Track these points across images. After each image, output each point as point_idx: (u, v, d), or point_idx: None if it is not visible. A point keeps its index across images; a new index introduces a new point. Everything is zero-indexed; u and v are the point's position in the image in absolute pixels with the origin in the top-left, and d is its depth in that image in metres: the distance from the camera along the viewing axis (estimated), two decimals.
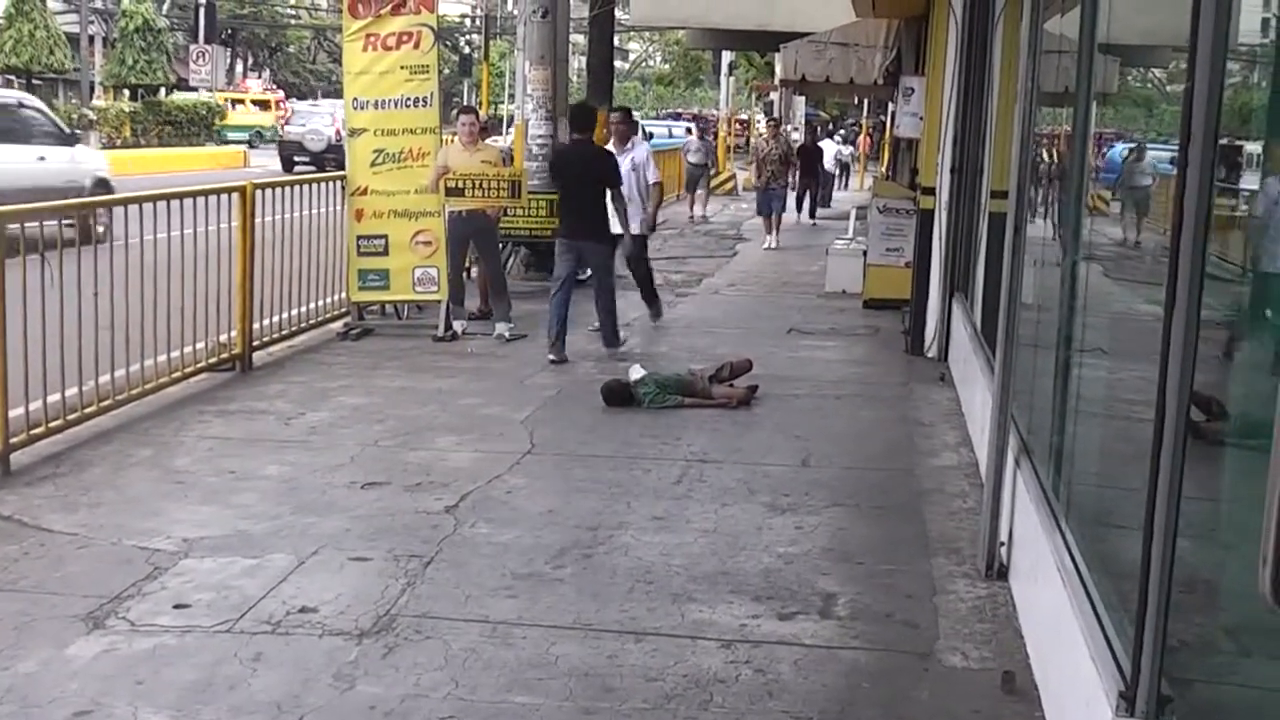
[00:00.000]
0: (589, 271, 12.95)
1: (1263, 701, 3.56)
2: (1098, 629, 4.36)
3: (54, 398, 8.51)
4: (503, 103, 52.12)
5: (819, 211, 29.96)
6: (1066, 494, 5.62)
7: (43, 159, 19.58)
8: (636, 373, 10.31)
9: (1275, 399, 2.80)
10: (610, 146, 13.44)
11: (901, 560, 6.83)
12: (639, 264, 14.19)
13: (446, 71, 55.74)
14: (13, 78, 50.55)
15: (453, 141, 13.95)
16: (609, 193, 12.24)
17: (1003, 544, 6.56)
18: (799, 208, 28.74)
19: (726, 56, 58.97)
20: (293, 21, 79.58)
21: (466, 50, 68.62)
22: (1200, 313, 3.53)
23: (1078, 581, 4.79)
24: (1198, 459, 3.65)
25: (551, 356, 11.81)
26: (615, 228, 12.73)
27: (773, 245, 23.18)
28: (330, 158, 36.77)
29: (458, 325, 12.93)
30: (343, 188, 13.08)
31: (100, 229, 10.51)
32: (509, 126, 32.65)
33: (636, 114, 58.58)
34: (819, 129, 35.12)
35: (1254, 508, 3.54)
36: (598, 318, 12.61)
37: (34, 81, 50.37)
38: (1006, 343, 6.61)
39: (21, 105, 21.07)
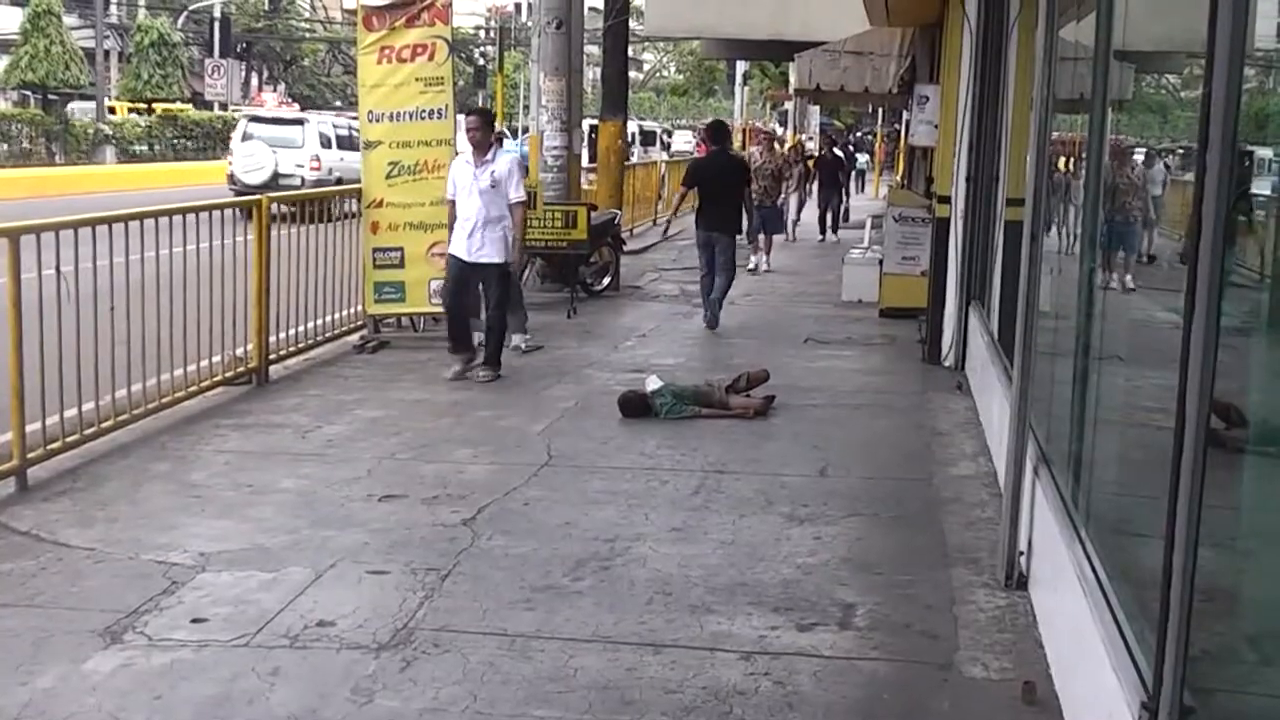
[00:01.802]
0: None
1: None
2: (1119, 638, 4.34)
3: (71, 413, 8.52)
4: (517, 114, 52.12)
5: (840, 227, 27.61)
6: (1086, 503, 5.59)
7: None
8: (653, 384, 10.30)
9: None
10: (468, 158, 11.61)
11: (920, 570, 6.81)
12: (497, 309, 11.65)
13: (461, 83, 55.81)
14: (29, 93, 50.73)
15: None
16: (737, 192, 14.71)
17: (1022, 553, 6.53)
18: (821, 225, 27.10)
19: (741, 66, 59.03)
20: (307, 35, 79.76)
21: (481, 62, 68.76)
22: (1220, 319, 3.51)
23: (1098, 591, 4.77)
24: (1217, 466, 3.63)
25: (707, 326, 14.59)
26: (495, 255, 11.41)
27: (764, 267, 20.62)
28: None
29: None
30: (358, 200, 13.10)
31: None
32: (521, 136, 32.48)
33: (653, 125, 57.19)
34: (836, 138, 33.11)
35: (1275, 515, 3.53)
36: (713, 299, 14.66)
37: (50, 97, 50.50)
38: (1025, 351, 6.59)
39: (351, 129, 28.92)
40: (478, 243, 11.41)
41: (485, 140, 11.61)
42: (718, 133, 15.65)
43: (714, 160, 15.16)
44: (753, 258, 20.58)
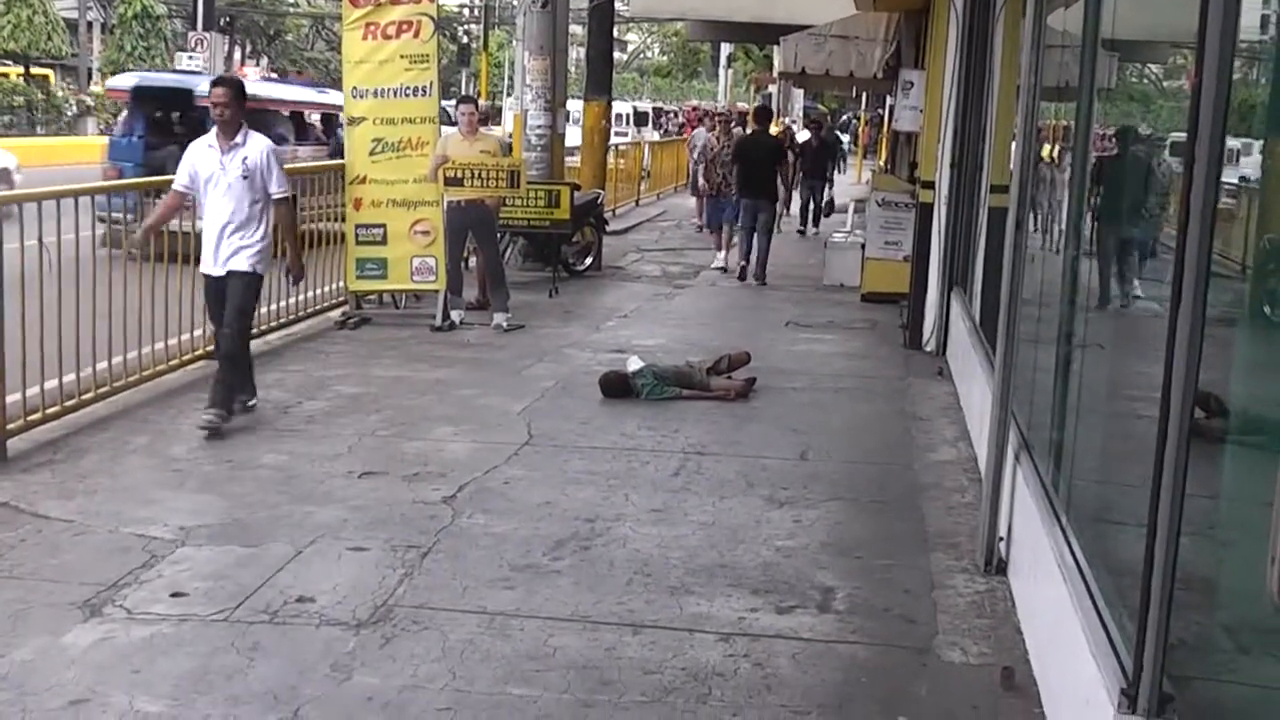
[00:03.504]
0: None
1: (1265, 700, 3.55)
2: (1099, 625, 4.36)
3: (51, 384, 8.49)
4: (501, 93, 52.04)
5: (822, 220, 24.83)
6: (1067, 490, 5.61)
7: None
8: (634, 364, 10.30)
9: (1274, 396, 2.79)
10: (211, 141, 8.94)
11: (900, 555, 6.82)
12: (236, 321, 8.99)
13: (445, 61, 55.62)
14: (10, 62, 50.47)
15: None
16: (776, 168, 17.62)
17: (1002, 539, 6.55)
18: (803, 217, 24.76)
19: (725, 49, 59.01)
20: (291, 9, 79.40)
21: (465, 40, 68.55)
22: (1205, 309, 3.52)
23: (1078, 578, 4.78)
24: (1197, 456, 3.64)
25: (739, 279, 16.99)
26: (244, 262, 8.90)
27: (724, 265, 18.38)
28: None
29: (455, 315, 12.92)
30: (341, 176, 13.05)
31: None
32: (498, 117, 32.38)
33: (647, 105, 55.74)
34: (822, 121, 30.13)
35: (1255, 505, 3.55)
36: (755, 256, 17.09)
37: (31, 68, 50.23)
38: (1007, 338, 6.60)
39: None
40: (228, 249, 8.89)
41: (235, 119, 8.94)
42: (762, 115, 19.13)
43: (756, 139, 17.97)
44: (719, 255, 18.70)
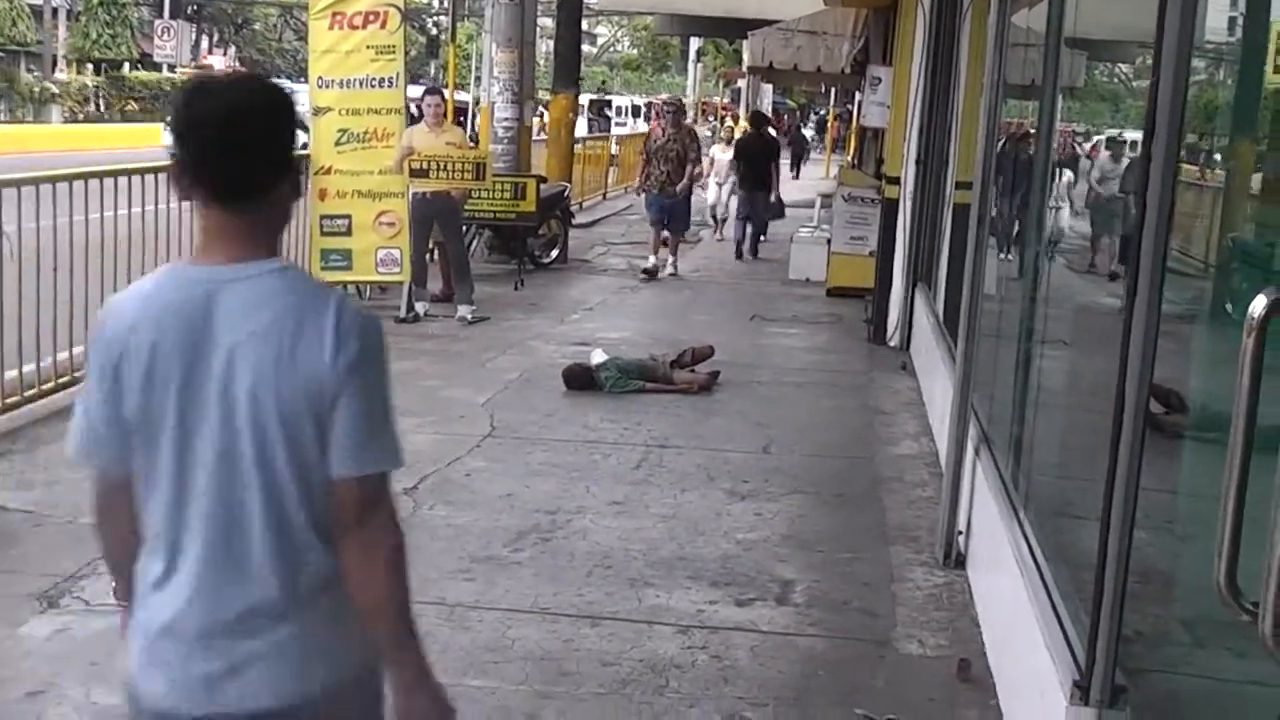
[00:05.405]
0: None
1: (1215, 691, 3.58)
2: (1053, 618, 4.38)
3: (11, 374, 8.43)
4: (469, 85, 51.91)
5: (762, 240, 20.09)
6: (1025, 484, 5.64)
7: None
8: (598, 357, 10.30)
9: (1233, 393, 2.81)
10: None
11: (860, 548, 6.85)
12: None
13: (413, 53, 55.48)
14: None
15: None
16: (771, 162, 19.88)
17: (961, 533, 6.58)
18: (738, 243, 19.61)
19: (694, 43, 59.16)
20: None
21: (434, 32, 68.35)
22: (1161, 305, 3.55)
23: (1035, 571, 4.81)
24: (1155, 451, 3.67)
25: (736, 256, 19.14)
26: None
27: (667, 270, 16.85)
28: None
29: (420, 307, 12.89)
30: (307, 167, 13.01)
31: None
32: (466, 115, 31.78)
33: (640, 100, 57.23)
34: (766, 120, 24.18)
35: (1209, 500, 3.58)
36: (750, 235, 19.56)
37: None
38: (968, 333, 6.63)
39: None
40: None
41: None
42: (758, 118, 22.05)
43: (753, 139, 20.44)
44: (651, 257, 16.98)
